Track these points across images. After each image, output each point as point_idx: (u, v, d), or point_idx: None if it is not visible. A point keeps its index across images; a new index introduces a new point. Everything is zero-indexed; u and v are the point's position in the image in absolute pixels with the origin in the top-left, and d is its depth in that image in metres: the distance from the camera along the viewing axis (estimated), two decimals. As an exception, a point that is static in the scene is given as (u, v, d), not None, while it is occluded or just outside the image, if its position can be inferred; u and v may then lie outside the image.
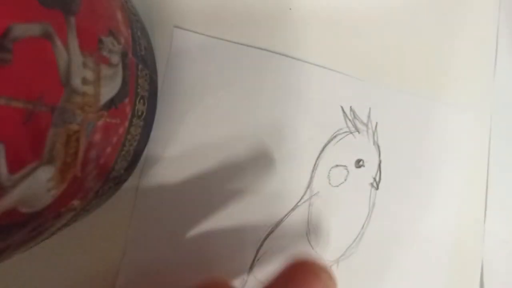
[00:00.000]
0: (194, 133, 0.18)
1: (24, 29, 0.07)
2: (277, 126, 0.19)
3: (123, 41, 0.12)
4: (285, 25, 0.20)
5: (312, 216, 0.20)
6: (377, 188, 0.21)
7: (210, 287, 0.12)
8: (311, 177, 0.20)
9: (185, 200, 0.18)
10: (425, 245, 0.22)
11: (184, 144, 0.18)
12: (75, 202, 0.11)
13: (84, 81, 0.09)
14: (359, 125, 0.21)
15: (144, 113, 0.15)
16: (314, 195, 0.20)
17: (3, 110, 0.07)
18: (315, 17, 0.20)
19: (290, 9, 0.20)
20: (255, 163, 0.19)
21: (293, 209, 0.20)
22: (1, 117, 0.07)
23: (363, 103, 0.21)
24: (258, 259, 0.19)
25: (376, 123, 0.21)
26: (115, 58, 0.11)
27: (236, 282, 0.19)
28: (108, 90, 0.11)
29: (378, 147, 0.21)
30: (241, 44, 0.19)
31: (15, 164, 0.08)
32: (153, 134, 0.18)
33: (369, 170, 0.21)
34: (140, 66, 0.14)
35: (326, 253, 0.20)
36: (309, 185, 0.20)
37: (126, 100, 0.12)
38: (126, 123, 0.13)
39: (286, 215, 0.20)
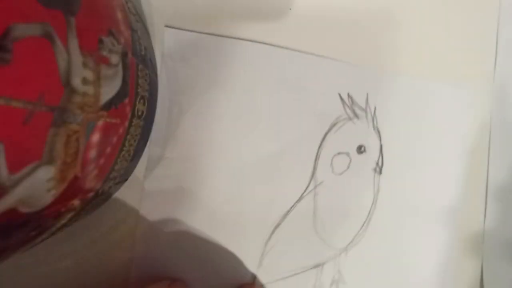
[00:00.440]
0: (194, 131, 0.18)
1: (24, 29, 0.07)
2: (276, 118, 0.19)
3: (123, 41, 0.12)
4: (281, 19, 0.20)
5: (318, 205, 0.20)
6: (380, 173, 0.21)
7: None
8: (314, 167, 0.20)
9: (190, 198, 0.18)
10: (431, 226, 0.22)
11: (185, 143, 0.18)
12: (75, 202, 0.11)
13: (84, 81, 0.09)
14: (358, 111, 0.21)
15: (144, 113, 0.15)
16: (318, 184, 0.20)
17: (3, 110, 0.07)
18: (309, 8, 0.20)
19: (290, 9, 0.20)
20: (257, 157, 0.19)
21: (298, 201, 0.20)
22: (1, 117, 0.07)
23: (360, 89, 0.21)
24: (267, 253, 0.19)
25: (375, 107, 0.21)
26: (115, 58, 0.11)
27: (247, 277, 0.19)
28: (108, 90, 0.11)
29: (379, 131, 0.21)
30: (234, 38, 0.19)
31: (15, 164, 0.08)
32: (153, 135, 0.18)
33: (371, 155, 0.21)
34: (140, 66, 0.14)
35: (334, 241, 0.20)
36: (312, 175, 0.20)
37: (126, 100, 0.12)
38: (126, 123, 0.13)
39: (292, 206, 0.20)
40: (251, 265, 0.19)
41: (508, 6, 0.23)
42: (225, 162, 0.19)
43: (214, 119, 0.18)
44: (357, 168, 0.21)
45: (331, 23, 0.20)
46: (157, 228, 0.18)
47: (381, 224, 0.21)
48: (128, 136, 0.13)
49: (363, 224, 0.21)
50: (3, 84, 0.07)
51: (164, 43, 0.18)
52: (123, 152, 0.13)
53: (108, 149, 0.12)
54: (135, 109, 0.14)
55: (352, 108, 0.20)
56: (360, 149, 0.21)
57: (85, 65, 0.09)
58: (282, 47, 0.19)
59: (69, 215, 0.12)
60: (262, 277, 0.20)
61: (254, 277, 0.19)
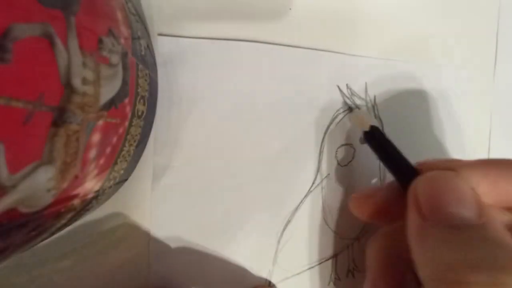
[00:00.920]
0: (197, 137, 0.18)
1: (24, 29, 0.07)
2: (278, 115, 0.19)
3: (123, 41, 0.12)
4: (281, 19, 0.20)
5: (326, 198, 0.20)
6: None
7: None
8: (319, 161, 0.20)
9: (199, 204, 0.18)
10: None
11: (190, 150, 0.18)
12: (75, 202, 0.11)
13: (84, 81, 0.09)
14: (358, 101, 0.21)
15: (144, 113, 0.15)
16: (324, 177, 0.20)
17: (3, 110, 0.07)
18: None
19: (290, 9, 0.19)
20: (262, 156, 0.19)
21: (306, 195, 0.20)
22: (1, 117, 0.07)
23: (358, 79, 0.21)
24: (280, 250, 0.19)
25: (375, 96, 0.21)
26: (115, 58, 0.11)
27: (262, 278, 0.19)
28: (108, 90, 0.11)
29: (380, 119, 0.21)
30: (228, 39, 0.18)
31: (15, 164, 0.08)
32: (156, 144, 0.18)
33: None
34: (140, 66, 0.14)
35: (345, 232, 0.21)
36: (318, 169, 0.20)
37: (126, 100, 0.12)
38: (126, 123, 0.13)
39: (301, 202, 0.20)
40: (266, 263, 0.19)
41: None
42: (230, 164, 0.19)
43: (216, 121, 0.18)
44: (361, 158, 0.21)
45: (331, 23, 0.20)
46: (169, 237, 0.18)
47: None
48: (128, 136, 0.13)
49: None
50: (3, 84, 0.07)
51: (158, 51, 0.17)
52: (123, 152, 0.13)
53: (108, 149, 0.12)
54: (135, 109, 0.14)
55: (352, 99, 0.20)
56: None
57: (85, 65, 0.09)
58: (278, 44, 0.19)
59: (69, 215, 0.12)
60: (278, 274, 0.20)
61: (268, 281, 0.20)
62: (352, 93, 0.20)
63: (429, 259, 0.12)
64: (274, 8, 0.19)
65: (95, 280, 0.17)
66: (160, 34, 0.17)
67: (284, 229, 0.20)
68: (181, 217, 0.18)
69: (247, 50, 0.19)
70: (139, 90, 0.14)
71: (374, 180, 0.21)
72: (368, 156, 0.20)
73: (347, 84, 0.20)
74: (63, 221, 0.12)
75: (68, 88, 0.09)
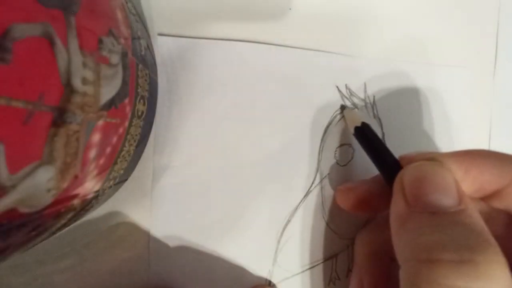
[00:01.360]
0: (197, 137, 0.18)
1: (24, 29, 0.07)
2: (278, 116, 0.19)
3: (123, 41, 0.12)
4: (281, 19, 0.20)
5: (326, 198, 0.20)
6: None
7: None
8: (319, 161, 0.20)
9: (199, 204, 0.18)
10: None
11: (189, 150, 0.18)
12: (75, 202, 0.11)
13: (84, 81, 0.09)
14: (357, 102, 0.21)
15: (144, 113, 0.15)
16: (324, 177, 0.20)
17: (3, 110, 0.07)
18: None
19: (290, 9, 0.19)
20: (262, 156, 0.19)
21: (306, 195, 0.20)
22: (1, 117, 0.07)
23: (357, 79, 0.21)
24: (280, 249, 0.20)
25: (374, 96, 0.21)
26: (115, 58, 0.11)
27: (263, 274, 0.19)
28: (108, 90, 0.11)
29: (379, 120, 0.21)
30: (228, 39, 0.18)
31: (15, 164, 0.08)
32: (156, 144, 0.18)
33: None
34: (140, 66, 0.14)
35: (345, 232, 0.21)
36: (318, 169, 0.20)
37: (126, 100, 0.12)
38: (126, 123, 0.13)
39: (300, 202, 0.20)
40: (266, 263, 0.19)
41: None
42: (230, 164, 0.19)
43: (216, 121, 0.18)
44: (361, 157, 0.21)
45: (331, 23, 0.20)
46: (169, 237, 0.18)
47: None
48: (128, 136, 0.13)
49: (372, 212, 0.21)
50: (3, 84, 0.07)
51: (158, 51, 0.17)
52: (123, 152, 0.13)
53: (108, 149, 0.12)
54: (135, 109, 0.14)
55: (351, 99, 0.20)
56: None
57: (85, 65, 0.09)
58: (278, 45, 0.19)
59: (69, 215, 0.12)
60: (278, 274, 0.20)
61: (268, 281, 0.20)
62: (351, 93, 0.21)
63: (408, 242, 0.13)
64: (274, 8, 0.19)
65: (95, 280, 0.17)
66: (160, 34, 0.17)
67: (284, 229, 0.20)
68: (181, 217, 0.18)
69: (247, 50, 0.19)
70: (139, 90, 0.14)
71: None
72: (367, 157, 0.20)
73: (346, 84, 0.20)
74: (63, 221, 0.12)
75: (68, 88, 0.09)
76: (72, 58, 0.09)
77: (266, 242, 0.19)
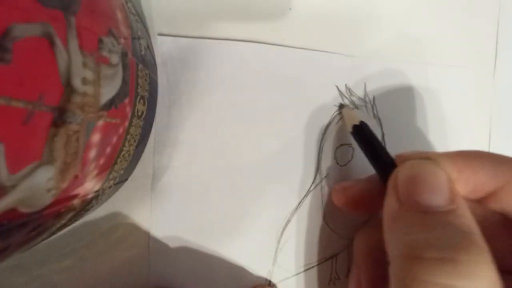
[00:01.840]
0: (197, 137, 0.18)
1: (24, 29, 0.07)
2: (277, 115, 0.19)
3: (123, 41, 0.12)
4: (281, 19, 0.20)
5: (326, 198, 0.20)
6: None
7: None
8: (318, 161, 0.20)
9: (199, 204, 0.18)
10: None
11: (189, 150, 0.18)
12: (75, 202, 0.11)
13: (84, 81, 0.09)
14: (357, 102, 0.21)
15: (144, 113, 0.15)
16: (324, 177, 0.20)
17: (3, 110, 0.07)
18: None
19: (290, 9, 0.19)
20: (261, 156, 0.19)
21: (306, 195, 0.20)
22: (1, 117, 0.07)
23: (357, 79, 0.21)
24: (280, 249, 0.20)
25: (374, 96, 0.21)
26: (115, 58, 0.11)
27: (263, 274, 0.19)
28: (108, 90, 0.11)
29: (379, 120, 0.21)
30: (228, 39, 0.18)
31: (15, 164, 0.08)
32: (156, 144, 0.18)
33: None
34: (140, 66, 0.14)
35: (345, 232, 0.21)
36: (317, 169, 0.20)
37: (126, 100, 0.12)
38: (126, 123, 0.13)
39: (300, 202, 0.20)
40: (266, 263, 0.19)
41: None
42: (230, 164, 0.19)
43: (216, 121, 0.18)
44: (360, 157, 0.21)
45: (331, 23, 0.20)
46: (169, 237, 0.18)
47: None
48: (128, 136, 0.13)
49: (372, 213, 0.21)
50: (3, 84, 0.07)
51: (159, 51, 0.17)
52: (123, 152, 0.13)
53: (108, 149, 0.12)
54: (135, 109, 0.14)
55: (351, 99, 0.20)
56: None
57: (85, 65, 0.09)
58: (278, 45, 0.19)
59: (69, 215, 0.12)
60: (278, 274, 0.20)
61: (268, 281, 0.20)
62: (351, 93, 0.21)
63: (397, 239, 0.13)
64: (274, 8, 0.19)
65: (95, 280, 0.17)
66: (160, 34, 0.17)
67: (284, 229, 0.20)
68: (181, 217, 0.18)
69: (247, 50, 0.19)
70: (139, 90, 0.14)
71: None
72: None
73: (346, 84, 0.20)
74: (63, 221, 0.12)
75: (68, 88, 0.09)
76: (72, 58, 0.09)
77: (266, 242, 0.19)
